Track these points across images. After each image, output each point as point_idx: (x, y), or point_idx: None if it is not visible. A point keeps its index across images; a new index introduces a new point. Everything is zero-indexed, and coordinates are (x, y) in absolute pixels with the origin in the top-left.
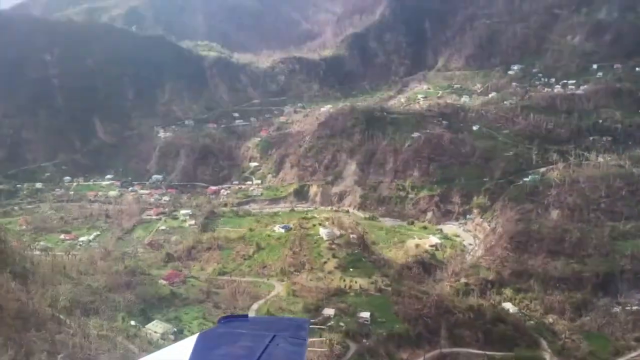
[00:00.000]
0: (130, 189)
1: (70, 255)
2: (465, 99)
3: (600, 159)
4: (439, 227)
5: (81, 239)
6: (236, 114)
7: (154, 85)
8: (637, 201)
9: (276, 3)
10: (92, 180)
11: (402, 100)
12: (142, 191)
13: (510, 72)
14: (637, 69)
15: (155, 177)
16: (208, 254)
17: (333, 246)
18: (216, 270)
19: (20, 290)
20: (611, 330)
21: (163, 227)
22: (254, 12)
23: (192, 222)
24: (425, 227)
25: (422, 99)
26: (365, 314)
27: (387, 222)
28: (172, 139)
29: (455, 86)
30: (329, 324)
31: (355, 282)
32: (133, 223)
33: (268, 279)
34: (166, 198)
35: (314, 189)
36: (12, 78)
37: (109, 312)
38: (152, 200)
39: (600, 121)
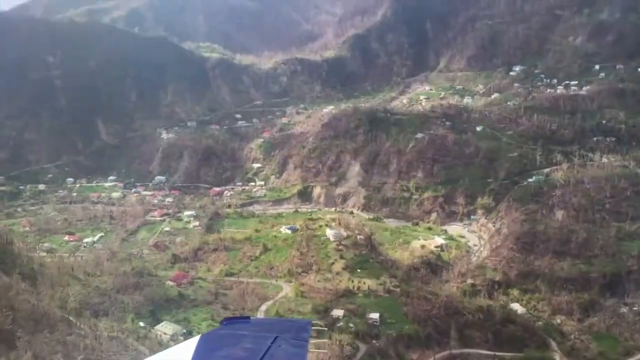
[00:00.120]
0: (133, 190)
1: (75, 257)
2: (467, 99)
3: (605, 160)
4: (444, 227)
5: (85, 240)
6: (239, 115)
7: (157, 86)
8: None
9: (276, 4)
10: (94, 182)
11: (405, 101)
12: (145, 192)
13: (512, 73)
14: (639, 69)
15: (158, 178)
16: (214, 255)
17: (340, 247)
18: (223, 272)
19: (30, 291)
20: (619, 331)
21: (167, 229)
22: (254, 12)
23: (197, 223)
24: (430, 228)
25: (424, 100)
26: (375, 315)
27: (392, 223)
28: (174, 140)
29: (458, 87)
30: (338, 324)
31: (364, 283)
32: (137, 224)
33: (276, 280)
34: (169, 199)
35: (317, 190)
36: (14, 79)
37: (118, 314)
38: (155, 201)
39: (604, 122)
